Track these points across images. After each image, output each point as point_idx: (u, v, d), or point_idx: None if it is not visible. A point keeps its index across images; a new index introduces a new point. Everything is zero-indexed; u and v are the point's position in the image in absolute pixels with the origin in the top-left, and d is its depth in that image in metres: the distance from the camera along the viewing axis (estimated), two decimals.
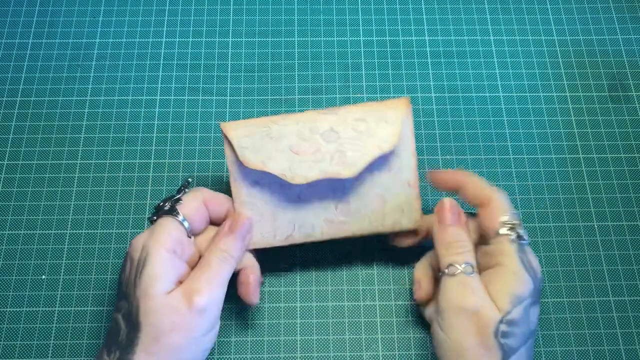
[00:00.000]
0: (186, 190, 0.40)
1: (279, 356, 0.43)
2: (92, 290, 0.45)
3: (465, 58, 0.55)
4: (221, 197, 0.42)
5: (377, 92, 0.53)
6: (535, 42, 0.56)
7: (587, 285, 0.46)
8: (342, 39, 0.55)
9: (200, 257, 0.40)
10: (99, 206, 0.48)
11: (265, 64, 0.54)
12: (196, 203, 0.40)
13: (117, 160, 0.50)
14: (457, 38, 0.56)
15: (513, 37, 0.56)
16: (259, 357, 0.43)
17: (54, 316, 0.44)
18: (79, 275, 0.46)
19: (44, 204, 0.48)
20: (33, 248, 0.47)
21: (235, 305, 0.44)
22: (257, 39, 0.55)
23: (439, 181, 0.42)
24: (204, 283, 0.37)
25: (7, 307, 0.45)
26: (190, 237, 0.39)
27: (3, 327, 0.44)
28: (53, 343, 0.44)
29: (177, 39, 0.55)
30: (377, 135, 0.41)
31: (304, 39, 0.56)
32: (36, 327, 0.44)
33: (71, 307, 0.45)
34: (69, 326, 0.44)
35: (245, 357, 0.43)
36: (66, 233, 0.47)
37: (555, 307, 0.45)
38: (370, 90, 0.53)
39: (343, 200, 0.42)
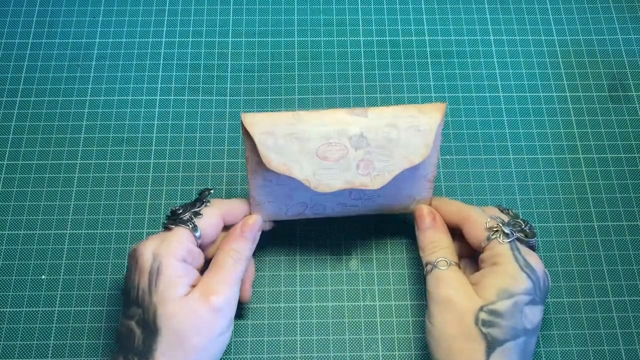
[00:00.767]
0: (206, 202, 0.41)
1: (279, 356, 0.43)
2: (92, 290, 0.45)
3: (465, 58, 0.55)
4: (237, 206, 0.42)
5: (377, 92, 0.53)
6: (535, 42, 0.56)
7: (587, 285, 0.46)
8: (342, 39, 0.55)
9: (205, 262, 0.41)
10: (99, 206, 0.48)
11: (265, 64, 0.54)
12: (215, 220, 0.40)
13: (117, 160, 0.50)
14: (457, 38, 0.56)
15: (513, 37, 0.56)
16: (259, 357, 0.43)
17: (53, 316, 0.44)
18: (78, 275, 0.46)
19: (43, 204, 0.48)
20: (33, 248, 0.47)
21: None
22: (257, 39, 0.55)
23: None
24: (220, 283, 0.38)
25: (7, 307, 0.45)
26: (199, 247, 0.40)
27: (3, 327, 0.44)
28: (53, 343, 0.44)
29: (177, 39, 0.55)
30: (407, 145, 0.39)
31: (304, 39, 0.56)
32: (36, 327, 0.44)
33: (71, 307, 0.45)
34: (68, 326, 0.44)
35: (245, 357, 0.43)
36: (66, 233, 0.47)
37: (555, 307, 0.45)
38: (370, 90, 0.53)
39: (359, 189, 0.41)
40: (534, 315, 0.37)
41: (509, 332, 0.36)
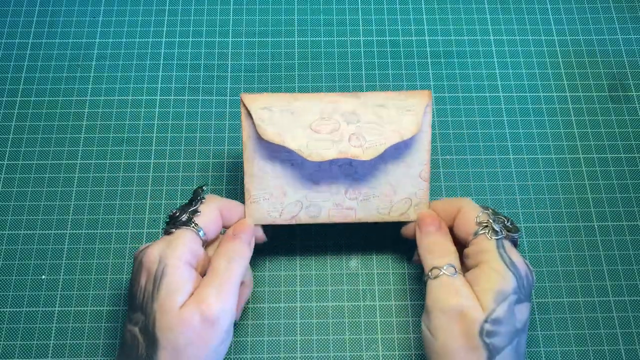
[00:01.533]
0: (201, 198, 0.40)
1: (279, 356, 0.43)
2: (92, 290, 0.45)
3: (465, 58, 0.55)
4: (233, 204, 0.41)
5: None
6: (535, 42, 0.56)
7: (587, 285, 0.46)
8: (342, 39, 0.55)
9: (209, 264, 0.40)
10: (99, 206, 0.48)
11: (265, 64, 0.54)
12: (213, 214, 0.39)
13: (117, 160, 0.50)
14: (457, 38, 0.56)
15: (513, 37, 0.56)
16: (259, 357, 0.43)
17: (53, 316, 0.44)
18: (78, 275, 0.46)
19: (43, 204, 0.48)
20: (33, 248, 0.47)
21: None
22: (257, 39, 0.55)
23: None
24: (213, 292, 0.36)
25: (7, 307, 0.45)
26: (204, 248, 0.39)
27: (3, 327, 0.44)
28: (53, 343, 0.44)
29: (177, 39, 0.55)
30: (397, 122, 0.41)
31: (304, 39, 0.56)
32: (36, 327, 0.44)
33: (71, 307, 0.45)
34: (68, 326, 0.44)
35: (245, 357, 0.43)
36: (66, 233, 0.47)
37: (555, 307, 0.45)
38: (370, 90, 0.53)
39: (353, 185, 0.42)
40: (522, 313, 0.37)
41: (507, 337, 0.35)
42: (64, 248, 0.47)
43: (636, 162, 0.50)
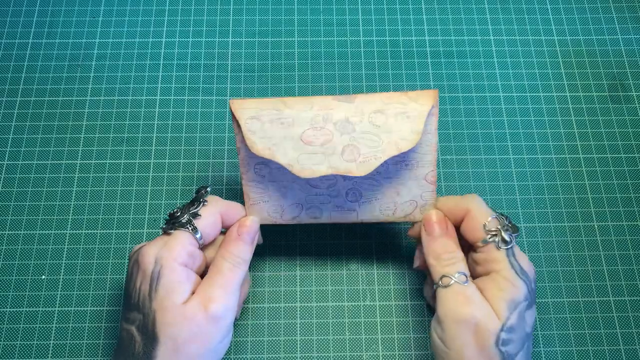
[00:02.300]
0: (203, 201, 0.40)
1: (279, 356, 0.43)
2: (92, 291, 0.45)
3: (465, 58, 0.55)
4: (234, 206, 0.41)
5: (377, 92, 0.53)
6: (535, 42, 0.56)
7: (587, 285, 0.46)
8: (342, 39, 0.55)
9: (206, 264, 0.40)
10: (99, 206, 0.48)
11: (265, 64, 0.54)
12: (213, 218, 0.39)
13: (117, 160, 0.50)
14: (457, 38, 0.56)
15: (513, 37, 0.56)
16: (259, 357, 0.43)
17: (53, 316, 0.44)
18: (78, 275, 0.46)
19: (43, 204, 0.48)
20: (33, 248, 0.47)
21: None
22: (257, 39, 0.55)
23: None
24: (218, 290, 0.36)
25: (7, 307, 0.45)
26: (201, 249, 0.39)
27: (3, 327, 0.44)
28: (53, 343, 0.44)
29: (177, 39, 0.55)
30: (395, 131, 0.38)
31: (304, 39, 0.56)
32: (36, 327, 0.44)
33: (71, 307, 0.45)
34: (68, 326, 0.44)
35: (245, 357, 0.43)
36: (66, 233, 0.47)
37: (555, 307, 0.45)
38: (370, 90, 0.53)
39: (354, 188, 0.41)
40: (531, 318, 0.37)
41: (519, 343, 0.35)
42: (64, 248, 0.47)
43: (636, 162, 0.50)
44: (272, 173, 0.40)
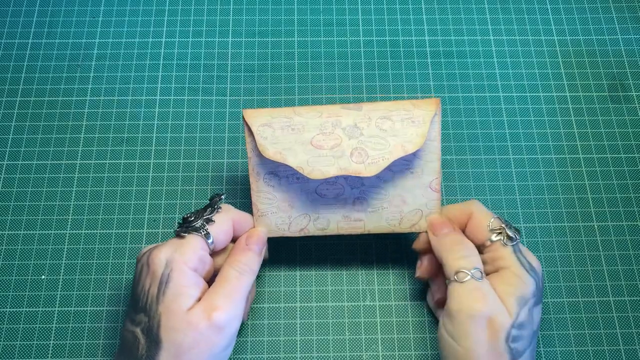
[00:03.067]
0: (217, 208, 0.40)
1: (279, 356, 0.43)
2: (92, 291, 0.45)
3: (465, 58, 0.55)
4: (247, 217, 0.42)
5: (377, 92, 0.53)
6: (535, 42, 0.56)
7: (587, 285, 0.46)
8: (342, 39, 0.55)
9: (214, 272, 0.40)
10: (99, 206, 0.48)
11: (265, 64, 0.54)
12: (226, 225, 0.40)
13: (117, 160, 0.50)
14: (457, 38, 0.56)
15: (513, 37, 0.56)
16: (259, 357, 0.43)
17: (53, 316, 0.44)
18: (78, 275, 0.46)
19: (43, 204, 0.48)
20: (33, 248, 0.47)
21: None
22: (257, 39, 0.55)
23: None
24: (223, 299, 0.36)
25: (7, 307, 0.45)
26: (210, 256, 0.39)
27: (3, 327, 0.44)
28: (53, 343, 0.44)
29: (177, 39, 0.55)
30: (401, 135, 0.40)
31: (304, 39, 0.56)
32: (36, 327, 0.44)
33: (71, 307, 0.45)
34: (68, 326, 0.44)
35: (245, 357, 0.43)
36: (66, 233, 0.47)
37: (555, 307, 0.45)
38: (370, 90, 0.53)
39: (361, 197, 0.42)
40: (538, 315, 0.37)
41: (527, 340, 0.36)
42: (64, 248, 0.47)
43: (636, 162, 0.50)
44: (281, 183, 0.41)
